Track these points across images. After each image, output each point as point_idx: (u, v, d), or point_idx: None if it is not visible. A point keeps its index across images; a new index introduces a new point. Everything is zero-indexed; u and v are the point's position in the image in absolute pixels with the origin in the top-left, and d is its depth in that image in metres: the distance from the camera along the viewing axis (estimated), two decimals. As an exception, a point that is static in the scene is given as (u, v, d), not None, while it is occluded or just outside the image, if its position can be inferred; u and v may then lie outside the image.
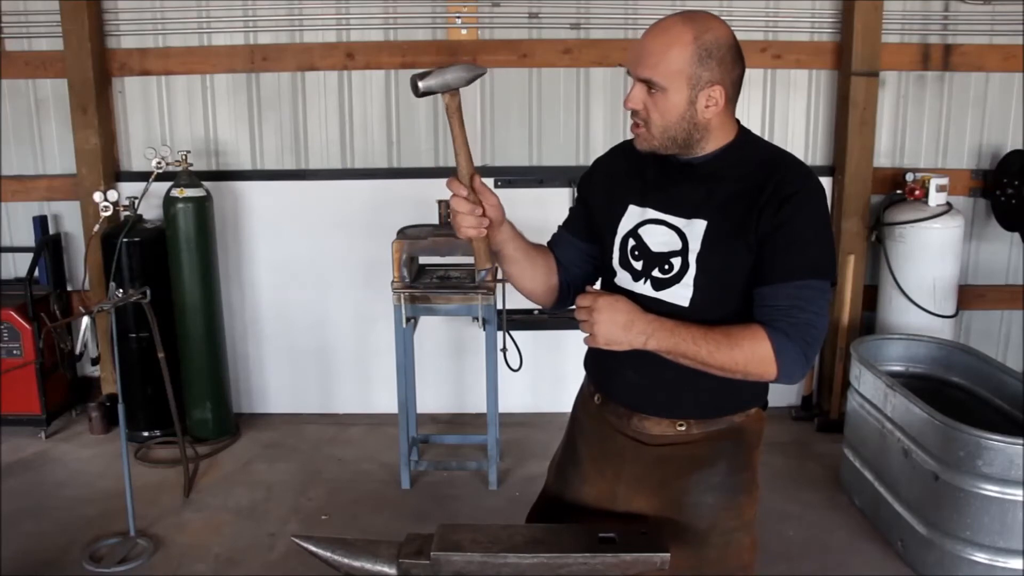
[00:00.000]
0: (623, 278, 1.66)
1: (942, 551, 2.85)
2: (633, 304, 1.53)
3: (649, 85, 1.52)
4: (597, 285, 1.74)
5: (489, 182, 1.67)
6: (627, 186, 1.67)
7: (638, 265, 1.62)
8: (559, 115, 4.16)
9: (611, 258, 1.68)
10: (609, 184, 1.72)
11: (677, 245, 1.58)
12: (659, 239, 1.60)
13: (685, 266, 1.57)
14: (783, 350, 1.48)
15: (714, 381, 1.60)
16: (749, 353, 1.48)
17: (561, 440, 1.90)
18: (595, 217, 1.73)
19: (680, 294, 1.58)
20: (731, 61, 1.53)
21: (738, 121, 1.63)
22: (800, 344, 1.49)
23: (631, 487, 1.69)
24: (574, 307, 1.75)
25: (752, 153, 1.60)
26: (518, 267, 1.69)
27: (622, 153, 1.75)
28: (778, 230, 1.50)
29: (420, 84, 1.50)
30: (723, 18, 1.57)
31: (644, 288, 1.62)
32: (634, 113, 1.56)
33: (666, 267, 1.59)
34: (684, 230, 1.58)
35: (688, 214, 1.58)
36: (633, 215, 1.64)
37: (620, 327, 1.50)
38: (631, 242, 1.63)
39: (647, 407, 1.67)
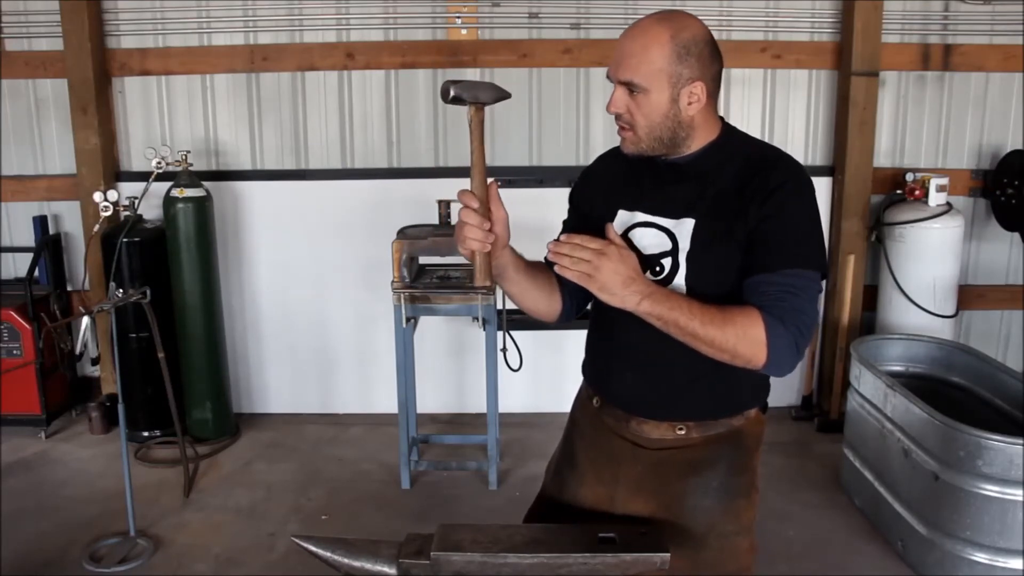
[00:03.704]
0: None
1: (942, 551, 2.85)
2: (638, 264, 1.50)
3: (630, 87, 1.52)
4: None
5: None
6: (616, 192, 1.67)
7: None
8: (559, 115, 4.16)
9: None
10: (598, 192, 1.72)
11: (667, 246, 1.58)
12: (649, 241, 1.60)
13: (676, 266, 1.57)
14: (776, 335, 1.46)
15: (712, 382, 1.60)
16: (741, 332, 1.46)
17: (559, 442, 1.90)
18: (588, 226, 1.70)
19: None
20: (709, 57, 1.53)
21: (722, 118, 1.63)
22: (793, 331, 1.47)
23: (629, 490, 1.68)
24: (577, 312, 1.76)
25: (738, 149, 1.60)
26: (519, 288, 1.68)
27: (610, 160, 1.75)
28: (767, 221, 1.50)
29: (452, 90, 1.49)
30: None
31: None
32: (618, 117, 1.56)
33: (657, 268, 1.58)
34: (673, 230, 1.58)
35: (676, 214, 1.58)
36: (622, 220, 1.64)
37: (621, 279, 1.45)
38: None
39: (645, 410, 1.66)
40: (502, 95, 1.56)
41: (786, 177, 1.53)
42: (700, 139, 1.58)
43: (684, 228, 1.56)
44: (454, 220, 3.72)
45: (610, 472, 1.70)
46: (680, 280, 1.56)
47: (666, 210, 1.59)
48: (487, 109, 1.56)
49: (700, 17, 1.57)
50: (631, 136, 1.57)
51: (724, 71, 1.60)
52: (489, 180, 1.56)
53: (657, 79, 1.50)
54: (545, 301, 1.73)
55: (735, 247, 1.52)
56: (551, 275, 1.72)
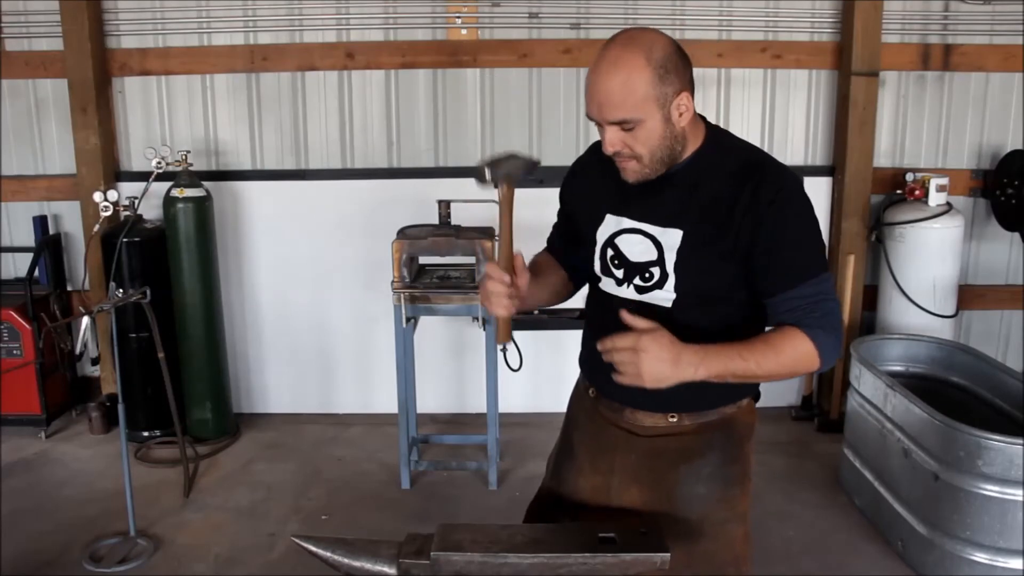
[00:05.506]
0: (607, 284, 1.68)
1: (942, 551, 2.85)
2: (671, 334, 1.47)
3: (623, 124, 1.51)
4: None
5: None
6: (603, 194, 1.68)
7: (619, 273, 1.65)
8: (559, 115, 4.16)
9: (593, 265, 1.69)
10: (586, 191, 1.74)
11: (653, 255, 1.59)
12: (636, 248, 1.61)
13: (664, 274, 1.58)
14: (823, 343, 1.52)
15: None
16: (793, 354, 1.51)
17: (558, 436, 1.92)
18: (576, 224, 1.75)
19: (663, 297, 1.60)
20: (683, 65, 1.53)
21: (702, 117, 1.63)
22: (833, 333, 1.54)
23: (624, 480, 1.69)
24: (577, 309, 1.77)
25: (725, 156, 1.60)
26: (536, 301, 1.76)
27: (599, 156, 1.74)
28: (771, 236, 1.51)
29: (488, 174, 1.59)
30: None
31: (628, 292, 1.64)
32: (617, 153, 1.55)
33: (646, 275, 1.60)
34: (660, 239, 1.58)
35: (664, 223, 1.58)
36: (610, 224, 1.65)
37: (669, 363, 1.44)
38: (610, 251, 1.65)
39: (641, 402, 1.67)
40: (532, 164, 1.63)
41: (776, 190, 1.52)
42: (689, 148, 1.59)
43: (671, 238, 1.57)
44: (454, 220, 3.75)
45: (606, 461, 1.72)
46: (669, 288, 1.58)
47: (653, 218, 1.60)
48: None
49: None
50: (635, 166, 1.56)
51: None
52: (515, 251, 1.60)
53: (647, 107, 1.49)
54: (558, 293, 1.82)
55: (723, 257, 1.54)
56: (559, 269, 1.79)
